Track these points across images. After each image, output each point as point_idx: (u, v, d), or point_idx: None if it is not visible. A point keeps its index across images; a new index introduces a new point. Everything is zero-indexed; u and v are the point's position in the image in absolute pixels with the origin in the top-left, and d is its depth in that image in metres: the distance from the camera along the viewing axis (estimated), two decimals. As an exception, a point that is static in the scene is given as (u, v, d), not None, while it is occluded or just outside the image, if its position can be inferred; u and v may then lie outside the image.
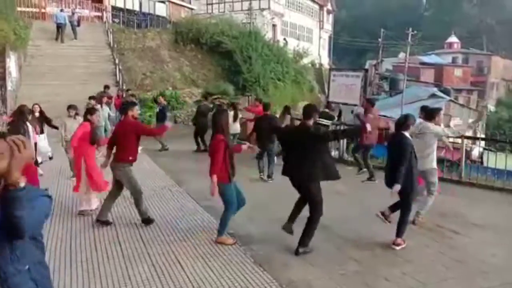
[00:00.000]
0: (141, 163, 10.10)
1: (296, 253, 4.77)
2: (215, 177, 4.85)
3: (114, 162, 5.66)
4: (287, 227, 5.11)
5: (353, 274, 4.38)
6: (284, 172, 5.01)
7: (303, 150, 4.74)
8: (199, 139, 11.97)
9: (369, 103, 8.86)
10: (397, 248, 5.00)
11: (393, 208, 5.31)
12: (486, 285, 4.16)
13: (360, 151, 8.85)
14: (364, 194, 7.46)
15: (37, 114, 9.13)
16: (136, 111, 5.91)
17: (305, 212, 4.97)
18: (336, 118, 9.92)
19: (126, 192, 7.38)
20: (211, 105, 13.68)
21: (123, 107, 6.36)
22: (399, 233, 5.07)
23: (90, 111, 6.69)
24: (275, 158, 8.68)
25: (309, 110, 4.95)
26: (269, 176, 8.36)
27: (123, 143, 5.61)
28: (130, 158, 5.64)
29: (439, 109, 6.27)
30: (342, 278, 4.27)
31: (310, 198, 4.86)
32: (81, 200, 6.31)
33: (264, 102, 10.16)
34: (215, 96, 18.77)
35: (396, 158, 5.03)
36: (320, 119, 8.58)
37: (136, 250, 4.90)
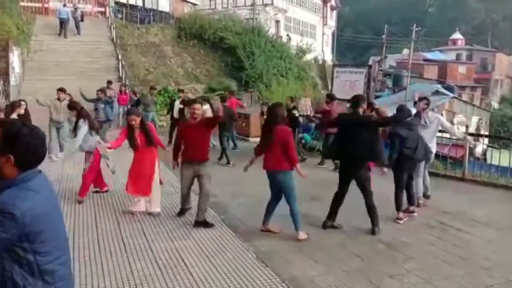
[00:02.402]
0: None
1: (373, 233, 5.34)
2: (299, 165, 5.17)
3: (198, 161, 5.53)
4: (329, 225, 5.54)
5: (356, 270, 4.38)
6: (335, 156, 5.76)
7: (354, 136, 5.30)
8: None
9: (329, 98, 10.16)
10: (400, 222, 5.78)
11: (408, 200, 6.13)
12: (490, 283, 4.14)
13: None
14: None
15: (22, 111, 8.81)
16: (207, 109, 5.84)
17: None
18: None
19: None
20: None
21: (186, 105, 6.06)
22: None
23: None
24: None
25: (356, 100, 5.54)
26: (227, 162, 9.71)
27: (201, 142, 5.54)
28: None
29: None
30: (345, 274, 4.26)
31: (360, 180, 5.41)
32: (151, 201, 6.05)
33: (221, 95, 12.38)
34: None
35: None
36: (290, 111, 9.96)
37: (139, 246, 4.91)
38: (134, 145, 5.93)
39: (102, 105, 11.47)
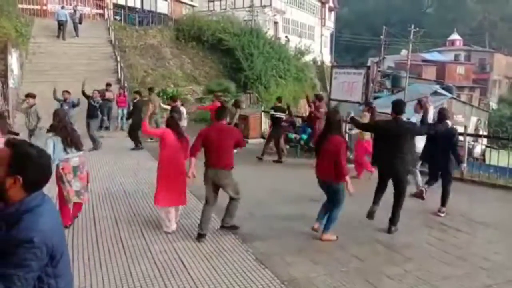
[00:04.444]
0: (141, 160, 10.14)
1: (389, 231, 5.43)
2: (348, 179, 4.95)
3: (224, 171, 5.19)
4: (374, 210, 5.63)
5: (355, 271, 4.37)
6: (377, 162, 5.81)
7: (400, 144, 5.36)
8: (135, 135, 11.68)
9: (317, 98, 10.63)
10: (442, 215, 6.15)
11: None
12: (489, 283, 4.14)
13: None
14: (363, 190, 7.43)
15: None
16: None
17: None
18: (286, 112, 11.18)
19: (127, 188, 7.41)
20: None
21: (219, 111, 5.39)
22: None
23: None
24: None
25: (400, 106, 5.56)
26: None
27: (227, 150, 5.19)
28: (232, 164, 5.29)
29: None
30: (344, 275, 4.26)
31: (401, 185, 5.50)
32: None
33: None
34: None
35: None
36: (275, 112, 10.72)
37: (138, 247, 4.90)
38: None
39: (66, 107, 10.78)
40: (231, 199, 5.32)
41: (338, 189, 5.08)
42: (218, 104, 12.03)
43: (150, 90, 13.35)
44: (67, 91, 11.46)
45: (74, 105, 11.05)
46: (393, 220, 5.53)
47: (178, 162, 5.36)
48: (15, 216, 1.75)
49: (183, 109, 11.81)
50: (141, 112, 11.50)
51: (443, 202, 6.35)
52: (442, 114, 6.43)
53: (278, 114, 10.73)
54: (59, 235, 1.87)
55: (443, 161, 6.31)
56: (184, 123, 11.42)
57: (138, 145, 11.54)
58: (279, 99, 11.59)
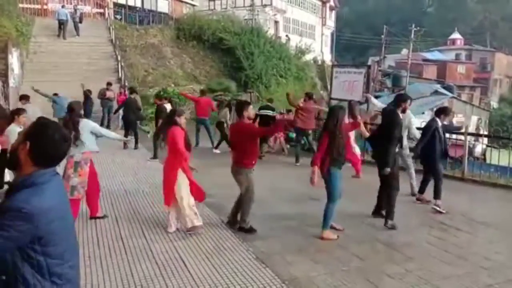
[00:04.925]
0: (144, 159, 10.15)
1: (385, 224, 5.55)
2: (314, 168, 5.10)
3: (235, 166, 5.38)
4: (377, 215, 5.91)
5: (356, 270, 4.37)
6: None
7: (383, 133, 5.71)
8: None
9: (308, 97, 10.48)
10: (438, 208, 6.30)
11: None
12: (490, 282, 4.13)
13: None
14: (362, 190, 7.43)
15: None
16: (251, 111, 5.39)
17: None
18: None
19: (128, 187, 7.42)
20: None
21: (238, 107, 5.49)
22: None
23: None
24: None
25: (396, 98, 5.91)
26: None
27: (243, 147, 5.29)
28: (253, 162, 5.35)
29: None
30: (345, 274, 4.26)
31: (383, 178, 5.71)
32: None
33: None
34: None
35: None
36: (264, 111, 10.87)
37: (138, 246, 4.90)
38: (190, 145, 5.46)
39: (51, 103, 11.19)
40: (240, 195, 5.43)
41: (326, 181, 5.14)
42: (206, 100, 12.20)
43: (132, 90, 13.07)
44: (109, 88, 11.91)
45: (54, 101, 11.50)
46: (387, 214, 5.63)
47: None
48: (18, 188, 1.79)
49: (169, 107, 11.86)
50: (130, 110, 11.54)
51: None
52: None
53: (265, 112, 10.82)
54: (59, 218, 1.84)
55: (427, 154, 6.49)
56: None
57: (135, 144, 11.59)
58: (270, 100, 11.98)
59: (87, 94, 13.28)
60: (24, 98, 9.53)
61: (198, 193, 5.41)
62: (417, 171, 7.31)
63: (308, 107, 10.10)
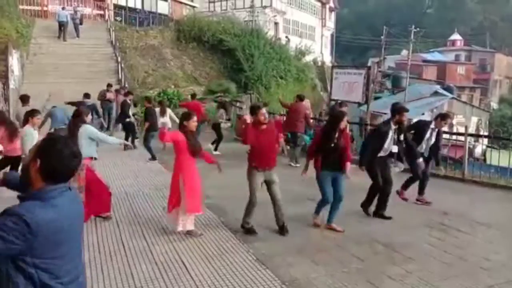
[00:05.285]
0: (141, 162, 10.15)
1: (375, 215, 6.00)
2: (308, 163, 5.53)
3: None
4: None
5: (356, 271, 4.37)
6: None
7: None
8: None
9: (299, 99, 10.54)
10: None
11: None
12: (491, 283, 4.14)
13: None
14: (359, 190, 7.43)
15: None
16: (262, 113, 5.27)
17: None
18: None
19: (128, 189, 7.42)
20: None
21: (251, 110, 5.46)
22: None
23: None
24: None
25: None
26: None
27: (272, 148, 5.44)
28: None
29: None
30: (345, 276, 4.26)
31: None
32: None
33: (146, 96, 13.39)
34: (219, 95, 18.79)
35: None
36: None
37: (139, 248, 4.90)
38: (199, 150, 5.23)
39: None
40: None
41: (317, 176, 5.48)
42: (196, 104, 12.26)
43: (117, 91, 13.06)
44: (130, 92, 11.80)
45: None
46: (378, 207, 6.11)
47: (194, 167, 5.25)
48: (27, 199, 1.83)
49: (170, 111, 11.88)
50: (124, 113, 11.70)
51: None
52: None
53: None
54: (58, 231, 1.81)
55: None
56: (169, 125, 11.48)
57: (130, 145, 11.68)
58: (265, 104, 12.06)
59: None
60: (23, 100, 9.34)
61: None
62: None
63: (297, 108, 10.17)
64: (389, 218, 5.97)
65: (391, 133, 5.96)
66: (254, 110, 5.32)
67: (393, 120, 5.97)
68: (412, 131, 6.89)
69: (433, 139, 6.71)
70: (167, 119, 11.80)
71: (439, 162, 6.95)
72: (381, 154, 6.00)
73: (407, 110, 6.19)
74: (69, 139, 2.01)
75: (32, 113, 6.36)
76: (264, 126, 5.25)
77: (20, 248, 1.71)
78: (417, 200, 6.87)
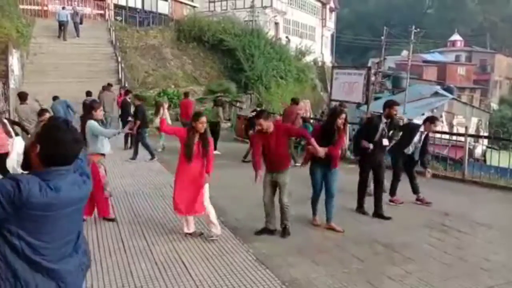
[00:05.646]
0: (142, 160, 10.15)
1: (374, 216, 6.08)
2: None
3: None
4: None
5: (356, 272, 4.37)
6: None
7: None
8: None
9: (293, 102, 10.71)
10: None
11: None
12: (490, 284, 4.13)
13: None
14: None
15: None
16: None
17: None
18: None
19: (128, 189, 7.41)
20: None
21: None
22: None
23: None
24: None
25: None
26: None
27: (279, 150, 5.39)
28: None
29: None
30: (345, 276, 4.25)
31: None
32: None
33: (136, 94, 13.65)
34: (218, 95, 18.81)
35: None
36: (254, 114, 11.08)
37: (138, 247, 4.90)
38: (190, 152, 4.98)
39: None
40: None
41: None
42: (188, 101, 12.56)
43: (127, 91, 13.00)
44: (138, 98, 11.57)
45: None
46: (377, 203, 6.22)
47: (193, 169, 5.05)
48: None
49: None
50: (125, 112, 11.83)
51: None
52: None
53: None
54: (49, 207, 1.81)
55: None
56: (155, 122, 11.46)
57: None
58: (259, 105, 12.86)
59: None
60: (22, 97, 9.05)
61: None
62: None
63: (288, 110, 10.37)
64: (389, 218, 5.98)
65: (381, 126, 6.05)
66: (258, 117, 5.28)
67: (384, 114, 6.11)
68: (401, 132, 6.97)
69: (421, 142, 6.83)
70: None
71: (425, 163, 6.92)
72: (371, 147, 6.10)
73: (397, 104, 6.38)
74: (70, 123, 2.01)
75: (41, 113, 6.51)
76: (269, 131, 5.19)
77: (7, 212, 1.72)
78: (417, 200, 6.87)
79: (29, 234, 1.80)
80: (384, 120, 6.08)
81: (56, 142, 1.87)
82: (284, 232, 5.32)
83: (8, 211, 1.72)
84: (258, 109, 11.40)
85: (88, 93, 12.86)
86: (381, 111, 6.22)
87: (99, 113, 5.84)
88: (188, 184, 5.01)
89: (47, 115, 6.52)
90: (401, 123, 7.88)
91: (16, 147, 6.33)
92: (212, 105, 12.78)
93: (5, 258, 1.78)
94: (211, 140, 5.18)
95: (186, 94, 13.65)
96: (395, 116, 6.24)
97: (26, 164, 1.94)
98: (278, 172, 5.24)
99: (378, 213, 6.09)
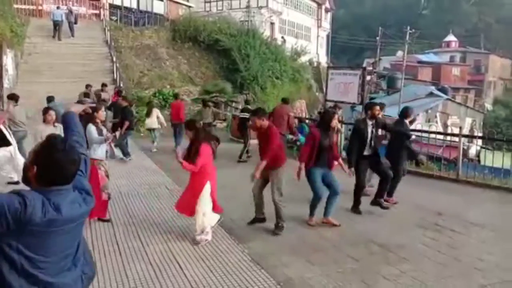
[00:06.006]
0: (138, 161, 10.13)
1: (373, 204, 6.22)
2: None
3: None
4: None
5: (351, 271, 4.38)
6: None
7: None
8: None
9: (283, 102, 10.81)
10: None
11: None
12: (484, 283, 4.16)
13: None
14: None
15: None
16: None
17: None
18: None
19: (123, 189, 7.39)
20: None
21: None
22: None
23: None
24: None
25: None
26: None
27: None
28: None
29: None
30: (340, 276, 4.27)
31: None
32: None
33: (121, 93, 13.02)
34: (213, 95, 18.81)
35: None
36: (243, 113, 11.33)
37: (133, 248, 4.89)
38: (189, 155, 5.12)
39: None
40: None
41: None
42: (179, 103, 12.44)
43: (119, 92, 12.83)
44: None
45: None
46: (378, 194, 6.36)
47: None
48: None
49: (157, 111, 11.80)
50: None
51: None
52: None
53: (243, 114, 11.23)
54: (53, 228, 1.83)
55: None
56: (154, 125, 11.44)
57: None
58: (247, 102, 13.03)
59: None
60: (12, 98, 8.65)
61: (216, 208, 5.30)
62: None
63: (278, 110, 10.37)
64: (386, 208, 6.28)
65: (370, 129, 6.14)
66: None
67: (368, 117, 6.25)
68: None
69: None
70: (154, 119, 11.65)
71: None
72: (366, 152, 6.14)
73: (376, 104, 6.60)
74: (68, 142, 2.01)
75: (46, 111, 6.76)
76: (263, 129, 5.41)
77: (10, 228, 1.72)
78: (385, 200, 6.62)
79: (29, 248, 1.80)
80: (369, 122, 6.19)
81: (53, 164, 1.86)
82: (276, 229, 5.37)
83: (12, 228, 1.72)
84: (249, 107, 11.51)
85: (86, 94, 12.40)
86: (365, 114, 6.38)
87: (101, 114, 6.02)
88: (190, 184, 5.26)
89: (52, 113, 6.63)
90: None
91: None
92: (202, 106, 12.80)
93: (1, 273, 1.77)
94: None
95: (176, 96, 13.52)
96: (378, 115, 6.35)
97: (25, 179, 1.95)
98: (271, 169, 5.33)
99: (376, 201, 6.26)
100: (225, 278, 4.16)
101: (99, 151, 5.81)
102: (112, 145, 9.34)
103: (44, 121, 6.71)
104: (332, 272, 4.35)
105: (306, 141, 5.95)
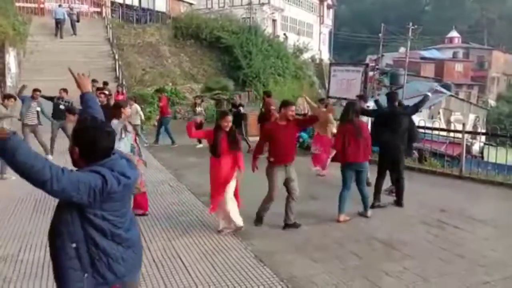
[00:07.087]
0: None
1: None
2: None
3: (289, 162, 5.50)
4: (376, 205, 6.36)
5: (354, 268, 4.38)
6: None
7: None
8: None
9: (265, 95, 11.24)
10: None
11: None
12: (487, 279, 4.15)
13: None
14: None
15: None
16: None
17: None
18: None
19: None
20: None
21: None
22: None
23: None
24: None
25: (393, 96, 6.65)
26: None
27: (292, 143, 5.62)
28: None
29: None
30: (343, 272, 4.27)
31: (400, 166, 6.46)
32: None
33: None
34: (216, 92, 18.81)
35: None
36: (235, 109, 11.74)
37: (136, 245, 4.89)
38: (218, 150, 5.13)
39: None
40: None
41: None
42: (165, 97, 13.01)
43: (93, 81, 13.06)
44: (64, 89, 11.33)
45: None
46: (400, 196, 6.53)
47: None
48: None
49: (137, 107, 11.79)
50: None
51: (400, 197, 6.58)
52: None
53: (235, 110, 11.67)
54: (122, 192, 2.12)
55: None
56: (137, 121, 11.36)
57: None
58: (229, 99, 13.57)
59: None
60: (7, 98, 8.44)
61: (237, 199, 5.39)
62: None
63: (267, 103, 10.71)
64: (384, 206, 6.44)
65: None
66: (284, 105, 5.36)
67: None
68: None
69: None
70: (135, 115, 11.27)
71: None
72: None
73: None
74: (98, 118, 2.34)
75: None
76: (285, 122, 5.33)
77: (96, 200, 2.02)
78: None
79: (110, 213, 2.11)
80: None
81: (93, 142, 2.10)
82: (293, 226, 5.48)
83: (98, 199, 2.02)
84: (236, 102, 12.20)
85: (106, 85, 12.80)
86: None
87: (127, 110, 5.81)
88: (216, 181, 5.21)
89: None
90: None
91: None
92: (192, 104, 13.04)
93: (94, 240, 2.08)
94: (238, 137, 5.44)
95: (161, 90, 14.27)
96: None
97: (74, 162, 2.18)
98: (288, 165, 5.37)
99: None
100: (228, 275, 4.17)
101: (122, 146, 5.74)
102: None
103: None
104: (335, 269, 4.35)
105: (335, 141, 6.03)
